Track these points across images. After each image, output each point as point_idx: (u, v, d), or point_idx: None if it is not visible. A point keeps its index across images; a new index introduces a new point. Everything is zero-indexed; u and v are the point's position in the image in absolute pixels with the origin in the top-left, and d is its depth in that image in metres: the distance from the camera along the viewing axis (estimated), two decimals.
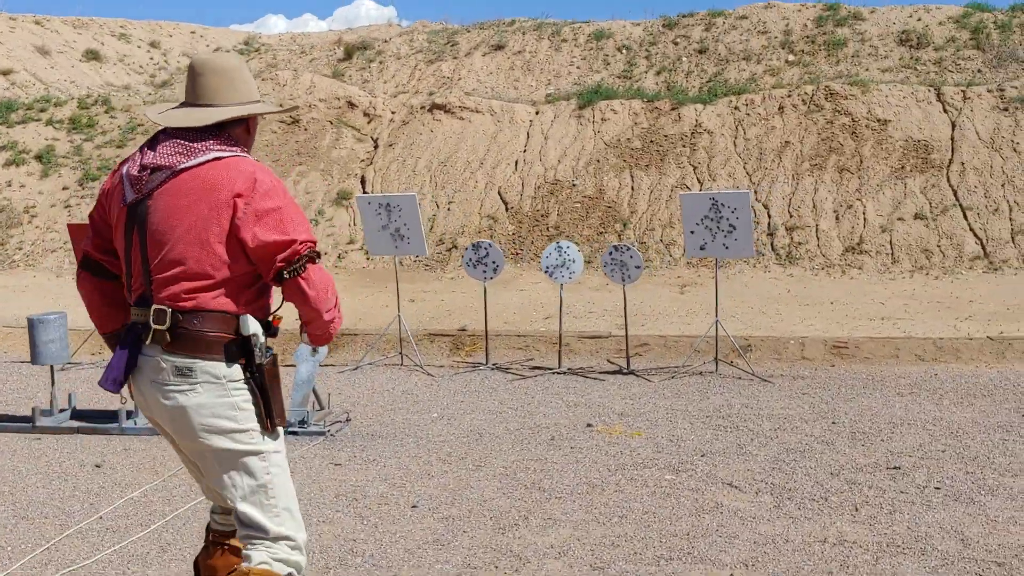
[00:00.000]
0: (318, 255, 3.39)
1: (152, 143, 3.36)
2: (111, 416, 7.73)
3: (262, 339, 3.39)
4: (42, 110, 20.31)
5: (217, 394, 3.31)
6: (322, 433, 7.34)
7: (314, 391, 7.72)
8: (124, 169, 3.37)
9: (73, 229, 9.47)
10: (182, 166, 3.27)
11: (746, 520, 5.43)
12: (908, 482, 6.02)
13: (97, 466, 6.72)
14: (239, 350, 3.34)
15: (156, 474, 6.49)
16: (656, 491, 5.94)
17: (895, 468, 6.29)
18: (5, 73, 24.62)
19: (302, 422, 7.36)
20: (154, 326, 3.25)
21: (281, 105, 19.18)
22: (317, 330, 3.50)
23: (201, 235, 3.24)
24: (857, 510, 5.57)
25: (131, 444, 7.27)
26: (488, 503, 5.77)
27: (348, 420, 7.76)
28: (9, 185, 18.43)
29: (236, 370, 3.33)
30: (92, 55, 28.08)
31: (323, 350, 7.81)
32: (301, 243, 3.30)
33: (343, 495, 5.98)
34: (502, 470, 6.43)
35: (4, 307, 13.23)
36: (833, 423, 7.44)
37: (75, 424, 7.72)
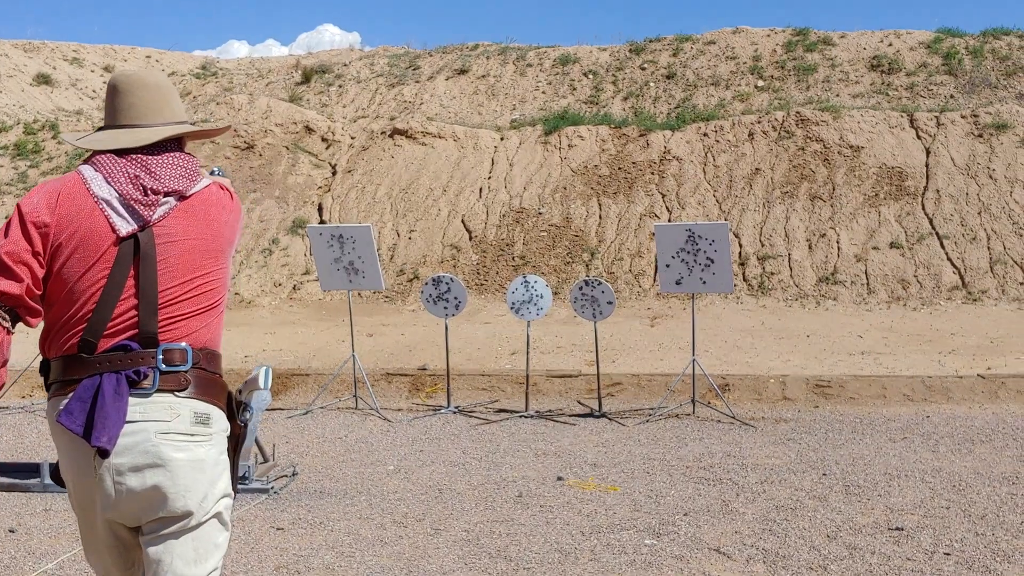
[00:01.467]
0: None
1: (128, 167, 2.88)
2: (33, 470, 6.99)
3: None
4: None
5: (222, 449, 2.90)
6: (265, 490, 6.65)
7: (256, 441, 7.03)
8: (104, 195, 2.83)
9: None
10: (191, 192, 2.92)
11: None
12: (913, 546, 5.43)
13: (11, 531, 5.99)
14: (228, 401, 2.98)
15: (77, 540, 5.78)
16: (636, 559, 5.31)
17: (897, 529, 5.71)
18: None
19: (243, 478, 6.68)
20: (165, 367, 2.78)
21: (235, 131, 18.52)
22: None
23: (212, 266, 2.91)
24: None
25: (53, 503, 6.55)
26: None
27: (295, 474, 7.08)
28: None
29: (228, 425, 2.95)
30: (43, 79, 27.26)
31: (267, 395, 7.13)
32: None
33: (284, 567, 5.31)
34: (464, 534, 5.77)
35: None
36: (824, 474, 6.85)
37: None
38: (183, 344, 2.82)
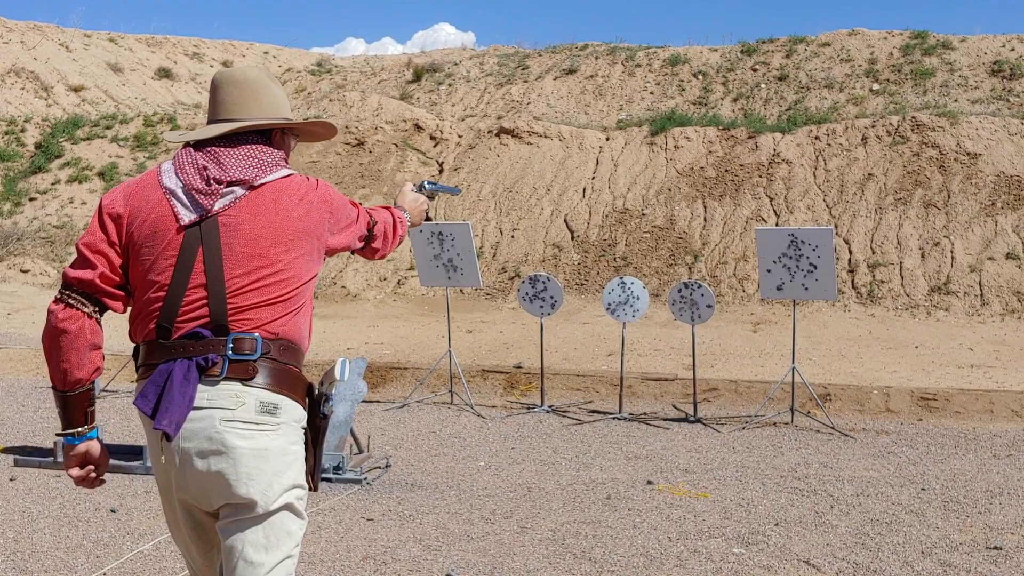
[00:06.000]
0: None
1: (199, 158, 2.95)
2: (137, 452, 7.22)
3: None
4: (108, 127, 20.21)
5: (292, 440, 2.88)
6: (358, 481, 6.75)
7: (352, 433, 7.15)
8: (171, 186, 2.93)
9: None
10: (260, 181, 2.93)
11: None
12: (1011, 567, 5.25)
13: (112, 511, 6.20)
14: (308, 393, 2.97)
15: None
16: (723, 568, 5.24)
17: (996, 549, 5.53)
18: (77, 89, 24.67)
19: (337, 468, 6.79)
20: (234, 356, 2.81)
21: (347, 127, 18.82)
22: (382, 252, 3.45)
23: (283, 256, 2.90)
24: None
25: (154, 485, 6.73)
26: (531, 575, 5.13)
27: (388, 466, 7.17)
28: (71, 202, 18.28)
29: (304, 416, 2.95)
30: (164, 73, 28.13)
31: (363, 387, 7.25)
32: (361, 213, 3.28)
33: (371, 558, 5.38)
34: (550, 534, 5.78)
35: None
36: (923, 489, 6.67)
37: None
38: (253, 334, 2.84)
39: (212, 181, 2.91)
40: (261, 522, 2.84)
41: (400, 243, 3.49)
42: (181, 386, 2.80)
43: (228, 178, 2.92)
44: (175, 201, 2.90)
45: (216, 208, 2.89)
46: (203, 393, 2.81)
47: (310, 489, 3.00)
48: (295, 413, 2.90)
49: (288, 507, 2.87)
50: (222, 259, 2.85)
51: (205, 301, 2.85)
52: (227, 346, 2.82)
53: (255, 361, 2.83)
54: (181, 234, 2.88)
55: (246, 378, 2.82)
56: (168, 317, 2.87)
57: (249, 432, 2.81)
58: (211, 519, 2.94)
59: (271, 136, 3.11)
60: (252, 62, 30.95)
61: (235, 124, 3.02)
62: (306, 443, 2.98)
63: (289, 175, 3.02)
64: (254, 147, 3.02)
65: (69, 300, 2.89)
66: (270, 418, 2.83)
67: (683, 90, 20.89)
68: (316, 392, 3.02)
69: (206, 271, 2.85)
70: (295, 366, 2.93)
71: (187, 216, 2.88)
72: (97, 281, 2.91)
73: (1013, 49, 19.65)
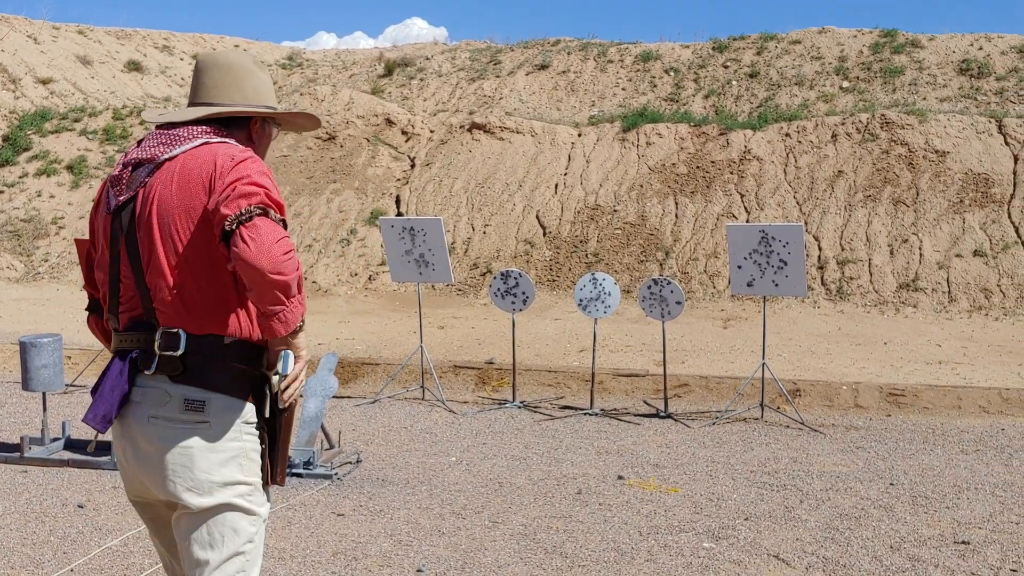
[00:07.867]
0: (273, 211, 2.67)
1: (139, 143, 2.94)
2: (105, 448, 7.17)
3: None
4: (76, 120, 20.01)
5: (229, 436, 2.80)
6: (328, 476, 6.73)
7: (323, 428, 7.12)
8: (109, 178, 2.95)
9: (81, 244, 8.99)
10: (164, 156, 2.79)
11: None
12: (979, 561, 5.30)
13: (80, 506, 6.15)
14: (258, 388, 2.84)
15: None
16: (692, 562, 5.26)
17: (963, 543, 5.58)
18: (45, 82, 24.37)
19: (307, 463, 6.76)
20: (161, 353, 2.74)
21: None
22: (263, 299, 2.64)
23: (192, 236, 2.74)
24: None
25: (121, 481, 6.68)
26: (503, 570, 5.13)
27: (359, 462, 7.15)
28: (39, 195, 18.10)
29: (251, 411, 2.84)
30: (134, 66, 27.84)
31: (334, 383, 7.21)
32: (257, 190, 2.65)
33: (342, 553, 5.36)
34: (521, 528, 5.78)
35: (22, 320, 12.78)
36: (891, 484, 6.72)
37: (65, 456, 7.17)
38: (177, 328, 2.75)
39: (124, 165, 2.87)
40: (203, 519, 2.80)
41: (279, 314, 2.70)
42: (113, 382, 2.81)
43: (135, 159, 2.84)
44: (108, 191, 2.90)
45: (127, 195, 2.82)
46: (137, 388, 2.81)
47: (273, 484, 2.93)
48: (228, 410, 2.80)
49: (229, 504, 2.81)
50: (138, 250, 2.79)
51: (136, 295, 2.82)
52: (156, 341, 2.77)
53: (179, 357, 2.75)
54: (108, 223, 2.86)
55: (173, 374, 2.76)
56: (113, 308, 2.89)
57: (174, 429, 2.77)
58: (170, 512, 2.92)
59: (250, 125, 3.01)
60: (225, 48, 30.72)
61: (214, 109, 2.93)
62: (263, 438, 2.88)
63: (202, 145, 2.83)
64: (186, 126, 2.90)
65: (87, 311, 3.13)
66: (195, 415, 2.77)
67: (655, 86, 20.92)
68: (271, 387, 2.86)
69: (130, 263, 2.81)
70: (231, 361, 2.80)
71: (113, 202, 2.86)
72: (88, 289, 3.07)
73: (981, 48, 19.81)
